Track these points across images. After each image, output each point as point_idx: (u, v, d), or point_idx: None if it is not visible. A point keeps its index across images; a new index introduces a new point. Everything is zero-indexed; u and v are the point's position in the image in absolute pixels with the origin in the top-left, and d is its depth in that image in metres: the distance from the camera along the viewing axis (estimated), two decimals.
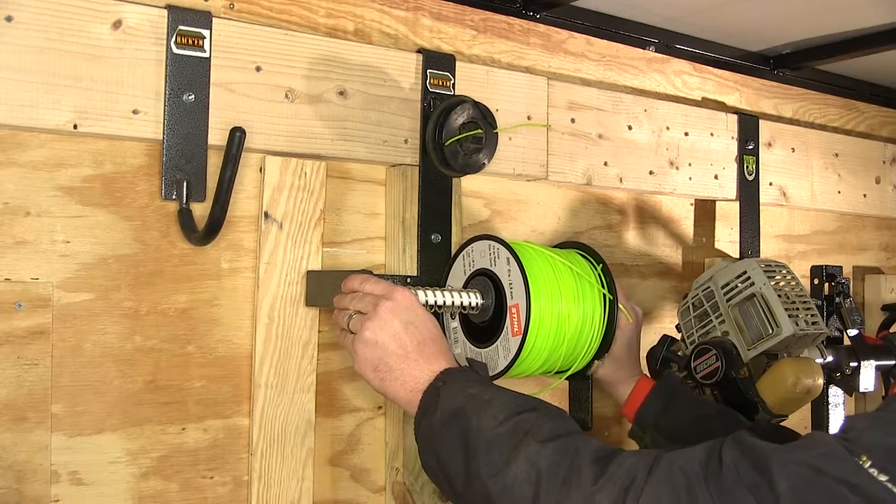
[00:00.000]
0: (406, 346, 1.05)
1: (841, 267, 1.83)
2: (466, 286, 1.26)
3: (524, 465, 0.90)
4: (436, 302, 1.18)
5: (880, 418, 0.85)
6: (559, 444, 0.91)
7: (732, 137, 1.75)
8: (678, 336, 1.53)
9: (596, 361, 1.29)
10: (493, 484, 0.91)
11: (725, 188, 1.74)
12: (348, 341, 1.09)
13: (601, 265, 1.29)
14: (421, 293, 1.17)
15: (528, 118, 1.45)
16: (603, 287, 1.27)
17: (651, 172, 1.62)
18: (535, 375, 1.32)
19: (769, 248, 1.85)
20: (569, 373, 1.29)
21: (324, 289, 1.18)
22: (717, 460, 0.86)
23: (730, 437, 0.87)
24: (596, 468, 0.88)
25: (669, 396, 1.31)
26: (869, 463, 0.80)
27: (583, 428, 1.36)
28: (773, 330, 1.43)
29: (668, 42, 1.71)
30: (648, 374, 1.41)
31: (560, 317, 1.21)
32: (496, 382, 1.20)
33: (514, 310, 1.19)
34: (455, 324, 1.28)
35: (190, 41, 1.12)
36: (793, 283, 1.60)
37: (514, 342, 1.18)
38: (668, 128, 1.65)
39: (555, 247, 1.34)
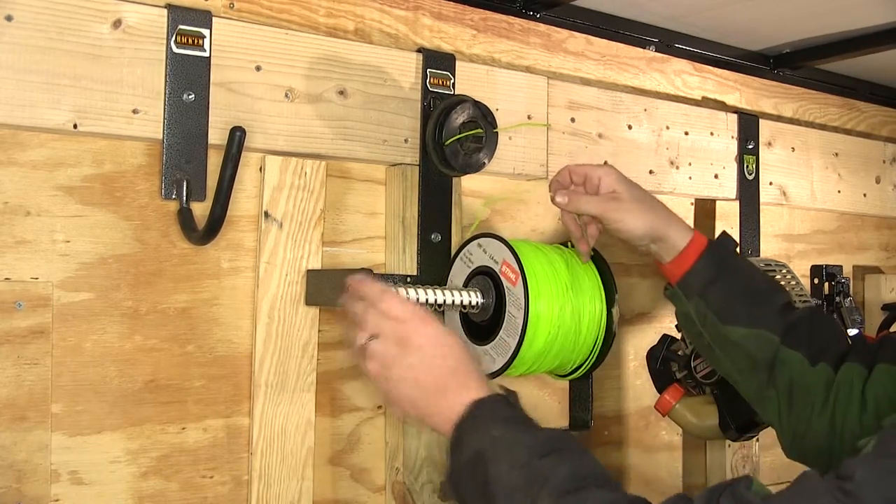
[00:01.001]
0: (438, 379, 0.98)
1: (841, 266, 1.84)
2: (466, 286, 1.27)
3: None
4: (435, 301, 1.18)
5: (882, 469, 0.79)
6: (569, 501, 0.86)
7: (732, 137, 1.75)
8: (678, 335, 1.53)
9: (613, 310, 1.28)
10: None
11: (725, 188, 1.74)
12: (374, 372, 1.01)
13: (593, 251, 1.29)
14: (421, 292, 1.17)
15: (529, 118, 1.45)
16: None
17: (651, 172, 1.62)
18: (550, 365, 1.30)
19: (769, 247, 1.85)
20: (589, 362, 1.29)
21: (324, 288, 1.18)
22: None
23: (728, 491, 0.84)
24: None
25: (721, 264, 1.19)
26: None
27: (583, 427, 1.36)
28: None
29: (669, 41, 1.71)
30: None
31: (555, 274, 1.24)
32: (512, 369, 1.21)
33: (505, 267, 1.21)
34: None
35: (190, 40, 1.12)
36: (793, 282, 1.60)
37: (519, 313, 1.19)
38: (668, 127, 1.65)
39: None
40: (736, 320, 1.16)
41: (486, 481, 0.91)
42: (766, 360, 1.15)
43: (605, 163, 1.54)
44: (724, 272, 1.18)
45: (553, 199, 1.23)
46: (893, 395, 1.06)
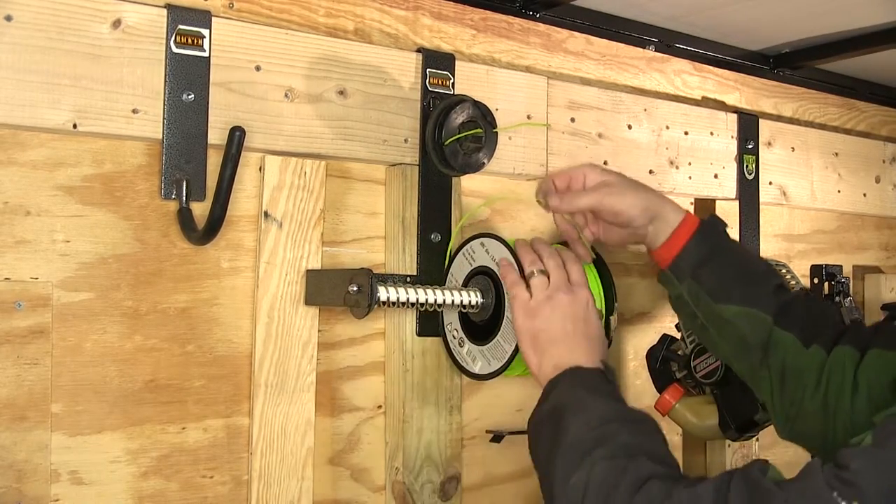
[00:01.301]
0: (567, 337, 1.09)
1: (841, 266, 1.84)
2: (466, 285, 1.27)
3: (582, 474, 0.92)
4: (435, 300, 1.18)
5: (879, 459, 0.81)
6: (616, 462, 0.91)
7: (732, 137, 1.75)
8: (678, 335, 1.53)
9: (612, 317, 1.29)
10: (557, 484, 0.95)
11: (725, 187, 1.74)
12: (525, 297, 1.13)
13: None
14: (421, 292, 1.17)
15: (528, 117, 1.45)
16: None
17: (651, 171, 1.62)
18: None
19: (769, 247, 1.85)
20: None
21: (324, 288, 1.18)
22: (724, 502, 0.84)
23: (738, 474, 0.85)
24: (627, 496, 0.88)
25: (713, 245, 1.19)
26: None
27: None
28: None
29: (668, 41, 1.71)
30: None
31: None
32: (509, 370, 1.22)
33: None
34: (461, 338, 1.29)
35: (189, 40, 1.12)
36: (793, 282, 1.60)
37: None
38: (667, 127, 1.65)
39: None
40: (728, 299, 1.16)
41: (558, 429, 0.99)
42: (759, 340, 1.15)
43: (605, 163, 1.55)
44: (716, 253, 1.19)
45: (546, 206, 1.23)
46: (885, 381, 1.06)
